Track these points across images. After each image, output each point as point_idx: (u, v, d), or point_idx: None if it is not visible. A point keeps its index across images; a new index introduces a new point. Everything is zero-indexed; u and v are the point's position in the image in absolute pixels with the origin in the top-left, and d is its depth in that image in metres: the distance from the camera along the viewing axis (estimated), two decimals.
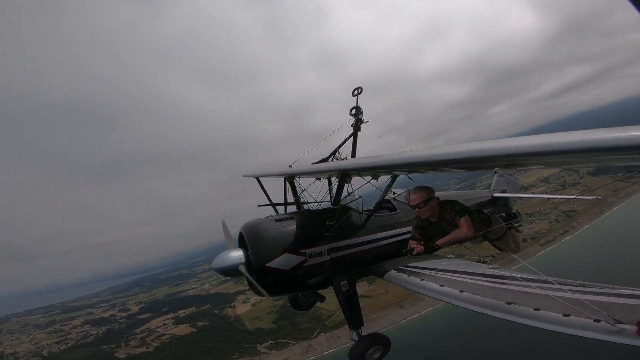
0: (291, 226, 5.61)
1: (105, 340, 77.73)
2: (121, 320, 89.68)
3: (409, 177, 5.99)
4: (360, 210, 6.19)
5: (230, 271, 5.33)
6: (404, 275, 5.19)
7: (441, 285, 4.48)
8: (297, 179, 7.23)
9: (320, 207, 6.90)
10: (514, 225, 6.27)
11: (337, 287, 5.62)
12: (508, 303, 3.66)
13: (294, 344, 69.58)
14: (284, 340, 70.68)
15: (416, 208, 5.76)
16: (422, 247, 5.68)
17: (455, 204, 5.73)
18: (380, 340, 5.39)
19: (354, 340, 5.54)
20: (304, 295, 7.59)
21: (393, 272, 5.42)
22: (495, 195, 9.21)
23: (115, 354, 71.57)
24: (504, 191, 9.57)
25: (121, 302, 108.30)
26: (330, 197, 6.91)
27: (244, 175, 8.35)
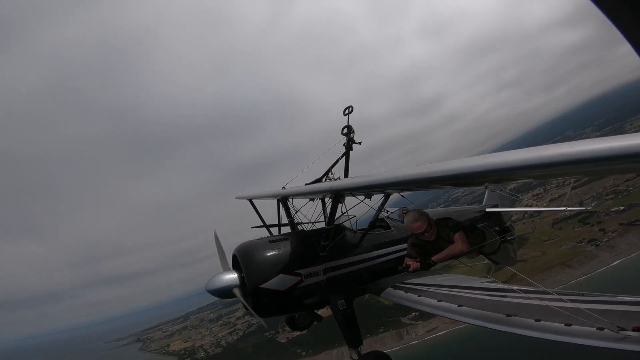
0: (286, 247, 5.59)
1: (265, 328, 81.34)
2: None
3: (402, 196, 6.05)
4: (354, 229, 6.20)
5: (224, 293, 5.30)
6: (402, 292, 5.19)
7: (439, 301, 4.50)
8: (290, 200, 7.23)
9: (314, 228, 6.88)
10: (508, 238, 6.33)
11: (335, 306, 5.58)
12: (508, 315, 3.68)
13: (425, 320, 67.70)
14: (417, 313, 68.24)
15: (425, 234, 5.61)
16: (418, 263, 5.68)
17: (448, 220, 5.76)
18: (381, 359, 5.35)
19: (353, 359, 5.50)
20: (301, 315, 7.48)
21: (390, 290, 5.42)
22: (487, 210, 9.29)
23: (277, 338, 77.00)
24: (496, 206, 9.66)
25: None
26: (325, 217, 6.91)
27: (237, 197, 8.32)
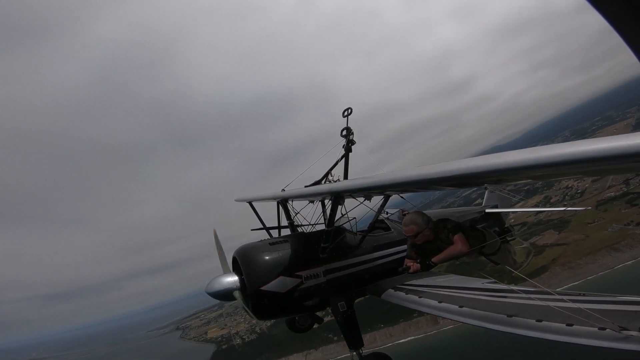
0: (286, 249, 5.59)
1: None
2: None
3: (402, 197, 6.05)
4: (354, 231, 6.20)
5: (224, 296, 5.29)
6: (402, 294, 5.18)
7: (440, 302, 4.50)
8: (290, 202, 7.23)
9: (314, 230, 6.88)
10: (508, 239, 6.33)
11: (335, 308, 5.58)
12: (509, 316, 3.68)
13: None
14: None
15: (413, 238, 5.72)
16: (418, 265, 5.67)
17: (447, 222, 5.75)
18: None
19: None
20: (301, 317, 7.47)
21: (390, 291, 5.41)
22: (487, 211, 9.28)
23: None
24: (496, 206, 9.65)
25: None
26: (324, 219, 6.91)
27: (236, 200, 8.32)
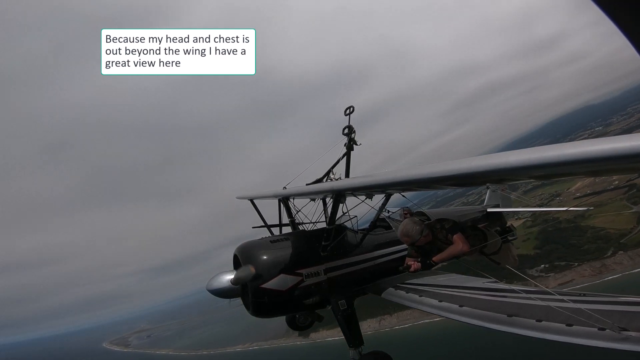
0: (287, 247, 5.60)
1: None
2: None
3: (403, 195, 6.04)
4: (355, 229, 6.20)
5: (225, 293, 5.31)
6: (402, 292, 5.19)
7: (440, 301, 4.51)
8: (291, 200, 7.24)
9: (315, 228, 6.88)
10: (509, 238, 6.30)
11: (335, 306, 5.58)
12: (509, 315, 3.69)
13: (578, 265, 62.12)
14: (562, 263, 62.54)
15: (411, 244, 5.62)
16: (419, 264, 5.65)
17: (444, 222, 5.68)
18: (382, 359, 5.34)
19: (354, 359, 5.48)
20: (302, 315, 7.48)
21: (391, 290, 5.42)
22: (489, 210, 9.27)
23: None
24: (497, 206, 9.64)
25: None
26: (326, 218, 6.92)
27: (237, 197, 8.33)
